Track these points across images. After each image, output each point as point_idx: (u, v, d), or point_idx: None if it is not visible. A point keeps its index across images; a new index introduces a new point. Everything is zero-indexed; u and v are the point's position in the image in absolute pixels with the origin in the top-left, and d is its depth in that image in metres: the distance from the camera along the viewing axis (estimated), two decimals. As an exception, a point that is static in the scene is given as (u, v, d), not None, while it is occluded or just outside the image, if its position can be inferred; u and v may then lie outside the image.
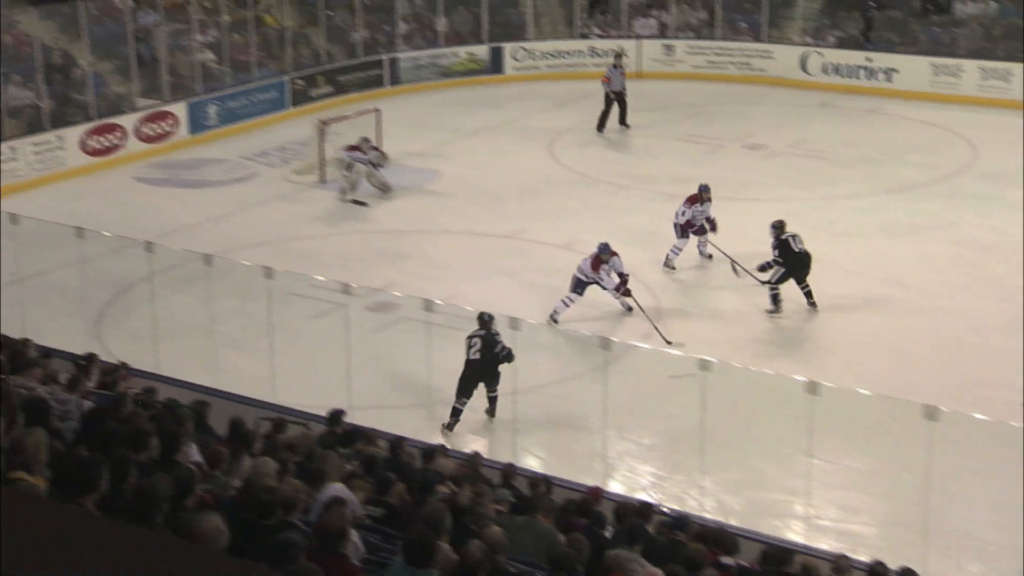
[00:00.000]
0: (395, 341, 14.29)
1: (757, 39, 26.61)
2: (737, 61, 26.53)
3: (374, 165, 19.54)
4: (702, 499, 11.00)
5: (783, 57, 26.12)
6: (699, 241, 16.76)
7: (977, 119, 23.02)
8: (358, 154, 19.39)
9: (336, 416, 10.31)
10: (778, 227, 15.12)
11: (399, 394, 13.25)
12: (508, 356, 12.17)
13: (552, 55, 26.95)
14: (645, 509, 8.57)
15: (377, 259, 16.96)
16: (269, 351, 12.88)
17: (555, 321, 14.69)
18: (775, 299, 15.04)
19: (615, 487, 11.19)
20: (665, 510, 9.69)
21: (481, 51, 26.89)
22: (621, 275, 14.72)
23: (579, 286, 14.79)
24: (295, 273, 14.86)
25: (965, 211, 18.39)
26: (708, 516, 10.28)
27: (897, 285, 15.84)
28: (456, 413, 12.47)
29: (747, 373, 12.19)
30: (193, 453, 7.72)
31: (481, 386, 12.55)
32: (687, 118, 24.15)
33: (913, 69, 24.81)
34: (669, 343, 14.22)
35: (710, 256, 16.68)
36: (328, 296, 14.48)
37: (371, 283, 15.39)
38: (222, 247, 16.45)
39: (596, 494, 9.13)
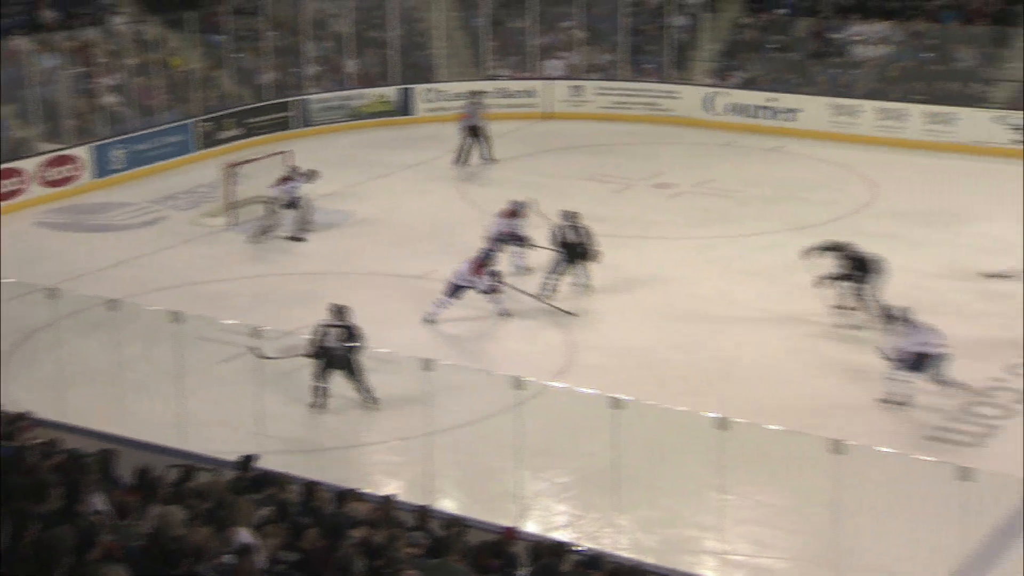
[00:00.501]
0: (306, 384, 14.16)
1: (662, 80, 27.06)
2: (644, 101, 26.94)
3: (302, 185, 19.62)
4: (617, 537, 11.05)
5: (688, 97, 26.59)
6: (514, 253, 17.56)
7: (875, 158, 23.64)
8: (291, 183, 19.47)
9: (247, 461, 10.17)
10: (563, 216, 16.82)
11: (312, 437, 13.11)
12: (362, 346, 13.27)
13: (462, 96, 27.09)
14: (559, 548, 8.59)
15: (289, 301, 16.81)
16: (178, 397, 12.68)
17: (432, 322, 15.82)
18: (548, 287, 16.51)
19: (530, 527, 11.18)
20: (580, 549, 9.71)
21: (391, 92, 26.95)
22: (493, 275, 15.92)
23: (455, 290, 15.80)
24: (204, 317, 14.67)
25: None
26: (623, 554, 10.33)
27: (803, 321, 16.12)
28: (318, 392, 13.41)
29: (658, 410, 12.29)
30: (98, 503, 7.56)
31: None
32: (596, 157, 24.43)
33: (813, 109, 25.43)
34: (572, 313, 15.97)
35: (528, 269, 17.42)
36: (238, 339, 14.31)
37: (283, 326, 15.26)
38: (129, 292, 16.20)
39: (511, 535, 9.12)
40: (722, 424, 10.21)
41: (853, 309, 15.62)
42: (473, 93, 24.75)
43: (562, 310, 15.98)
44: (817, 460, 10.21)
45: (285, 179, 19.68)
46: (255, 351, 13.34)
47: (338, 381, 13.46)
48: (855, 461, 10.15)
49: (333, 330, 13.29)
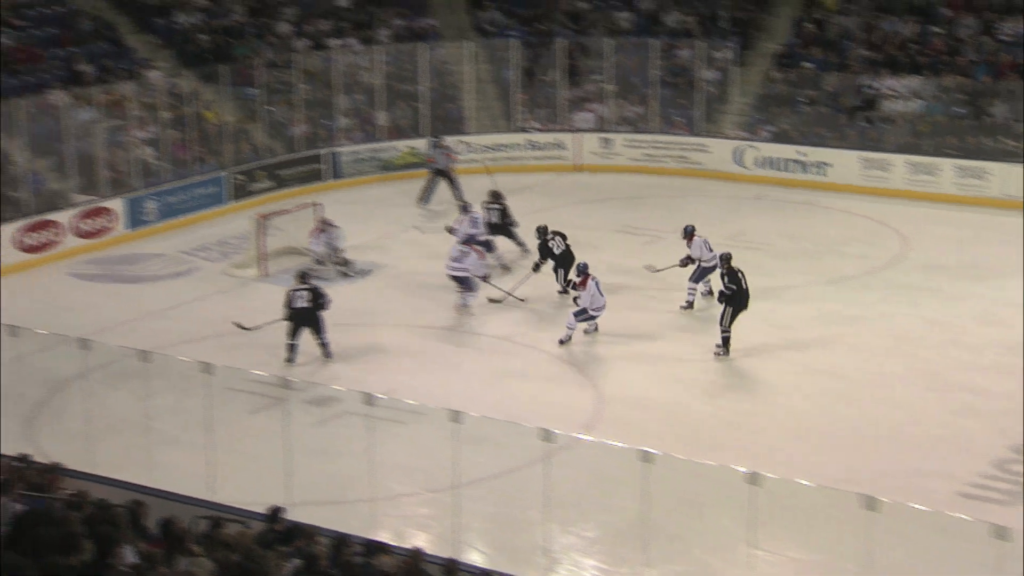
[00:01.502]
0: (336, 435, 14.15)
1: (692, 133, 27.13)
2: (673, 154, 26.99)
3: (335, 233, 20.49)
4: (646, 593, 10.93)
5: (718, 151, 26.61)
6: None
7: (907, 212, 23.55)
8: (325, 235, 20.30)
9: (275, 513, 10.14)
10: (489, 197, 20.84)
11: (340, 489, 13.08)
12: (327, 304, 15.99)
13: (491, 148, 27.24)
14: (589, 604, 8.49)
15: (318, 352, 16.82)
16: (207, 447, 12.69)
17: (465, 306, 18.10)
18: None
19: (559, 582, 11.09)
20: (609, 605, 9.61)
21: (421, 144, 27.13)
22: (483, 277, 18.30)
23: (462, 282, 18.08)
24: (234, 368, 14.71)
25: (899, 302, 18.70)
26: (652, 610, 10.21)
27: (834, 375, 16.01)
28: (292, 349, 16.03)
29: (689, 464, 12.19)
30: (129, 555, 7.56)
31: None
32: (626, 210, 24.45)
33: (844, 163, 25.39)
34: (523, 300, 18.30)
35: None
36: (267, 391, 14.34)
37: (311, 377, 15.27)
38: (160, 343, 16.27)
39: (539, 590, 9.03)
40: (753, 479, 10.11)
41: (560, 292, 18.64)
42: (438, 137, 25.22)
43: (516, 297, 18.23)
44: (849, 516, 10.08)
45: (321, 229, 20.26)
46: (237, 324, 16.49)
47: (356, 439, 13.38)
48: (888, 518, 10.01)
49: (308, 292, 15.87)
